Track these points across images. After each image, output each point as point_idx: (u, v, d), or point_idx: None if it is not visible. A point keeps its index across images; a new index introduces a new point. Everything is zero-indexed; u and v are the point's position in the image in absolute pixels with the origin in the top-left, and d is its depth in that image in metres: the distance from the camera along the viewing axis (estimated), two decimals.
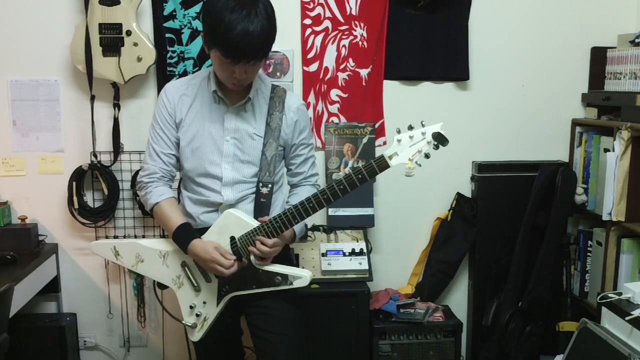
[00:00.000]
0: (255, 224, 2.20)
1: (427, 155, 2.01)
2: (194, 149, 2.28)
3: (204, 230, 2.28)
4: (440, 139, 1.98)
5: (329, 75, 3.17)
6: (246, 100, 2.27)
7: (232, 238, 2.21)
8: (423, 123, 2.02)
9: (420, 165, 2.01)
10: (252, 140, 2.27)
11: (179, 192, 2.48)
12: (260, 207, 2.28)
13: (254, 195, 2.29)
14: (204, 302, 2.30)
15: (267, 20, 2.09)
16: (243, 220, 2.21)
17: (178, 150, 2.33)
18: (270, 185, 2.29)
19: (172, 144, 2.31)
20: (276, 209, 2.35)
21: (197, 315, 2.31)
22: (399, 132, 2.03)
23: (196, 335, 2.33)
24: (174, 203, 2.32)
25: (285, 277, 2.21)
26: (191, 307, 2.32)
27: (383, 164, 2.04)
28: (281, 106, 2.30)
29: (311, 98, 3.16)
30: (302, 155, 2.40)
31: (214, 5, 2.08)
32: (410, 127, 2.02)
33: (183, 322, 2.34)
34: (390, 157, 2.03)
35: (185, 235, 2.24)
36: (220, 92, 2.26)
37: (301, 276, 2.20)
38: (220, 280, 2.26)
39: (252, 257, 2.21)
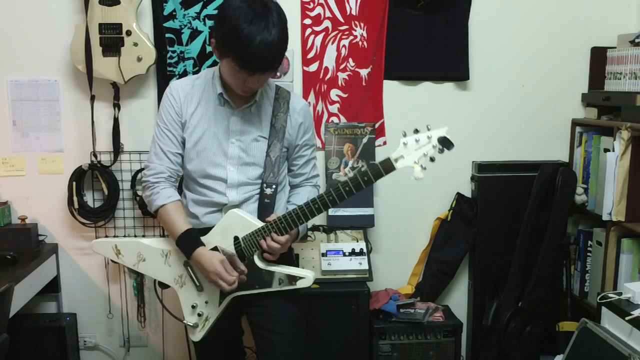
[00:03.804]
0: (259, 224, 2.20)
1: (432, 159, 2.02)
2: (199, 151, 2.27)
3: (207, 230, 2.27)
4: (445, 143, 2.00)
5: (329, 75, 3.17)
6: (252, 103, 2.27)
7: (236, 238, 2.21)
8: (429, 127, 2.03)
9: (425, 168, 2.02)
10: (257, 142, 2.28)
11: (181, 192, 2.48)
12: (265, 207, 2.29)
13: (258, 196, 2.30)
14: (206, 302, 2.30)
15: (282, 30, 2.10)
16: (247, 220, 2.22)
17: (183, 150, 2.33)
18: (274, 186, 2.29)
19: (178, 143, 2.31)
20: (279, 209, 2.34)
21: (199, 315, 2.31)
22: (405, 135, 2.04)
23: (197, 335, 2.33)
24: (180, 206, 2.32)
25: (288, 278, 2.21)
26: (193, 307, 2.32)
27: (389, 167, 2.05)
28: (286, 107, 2.31)
29: (311, 98, 3.16)
30: (305, 156, 2.41)
31: (231, 15, 2.06)
32: (416, 131, 2.03)
33: (184, 321, 2.34)
34: (396, 160, 2.04)
35: (190, 241, 2.24)
36: (226, 95, 2.26)
37: (304, 276, 2.21)
38: (219, 288, 2.25)
39: (255, 258, 2.22)
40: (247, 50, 2.04)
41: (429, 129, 2.03)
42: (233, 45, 2.06)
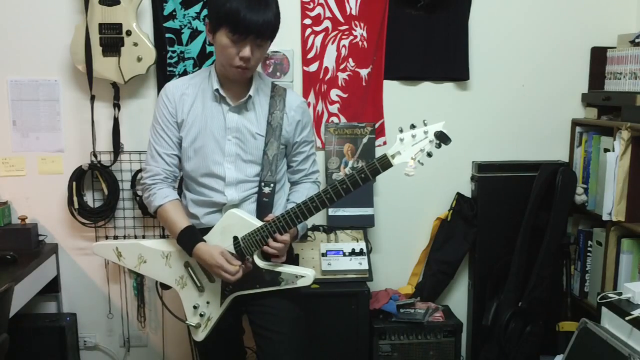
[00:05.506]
0: (258, 223, 2.20)
1: (429, 154, 2.02)
2: (197, 149, 2.28)
3: (206, 230, 2.27)
4: (442, 138, 1.99)
5: (329, 75, 3.17)
6: (247, 98, 2.27)
7: (235, 238, 2.21)
8: (425, 122, 2.02)
9: (422, 164, 2.01)
10: (254, 140, 2.28)
11: (181, 192, 2.48)
12: (263, 206, 2.29)
13: (256, 195, 2.30)
14: (208, 302, 2.31)
15: (274, 1, 2.16)
16: (246, 220, 2.22)
17: (180, 150, 2.33)
18: (272, 185, 2.29)
19: (174, 144, 2.31)
20: (279, 208, 2.34)
21: (201, 315, 2.31)
22: (401, 131, 2.04)
23: (200, 335, 2.33)
24: (178, 205, 2.32)
25: (289, 276, 2.21)
26: (195, 307, 2.32)
27: (386, 163, 2.04)
28: (282, 105, 2.31)
29: (311, 98, 3.16)
30: (303, 152, 2.41)
31: None
32: (413, 126, 2.02)
33: (187, 322, 2.34)
34: (393, 156, 2.03)
35: (190, 238, 2.24)
36: (222, 91, 2.26)
37: (305, 275, 2.21)
38: (224, 280, 2.26)
39: (255, 257, 2.22)
40: (237, 12, 2.07)
41: (425, 124, 2.02)
42: (225, 12, 2.09)
